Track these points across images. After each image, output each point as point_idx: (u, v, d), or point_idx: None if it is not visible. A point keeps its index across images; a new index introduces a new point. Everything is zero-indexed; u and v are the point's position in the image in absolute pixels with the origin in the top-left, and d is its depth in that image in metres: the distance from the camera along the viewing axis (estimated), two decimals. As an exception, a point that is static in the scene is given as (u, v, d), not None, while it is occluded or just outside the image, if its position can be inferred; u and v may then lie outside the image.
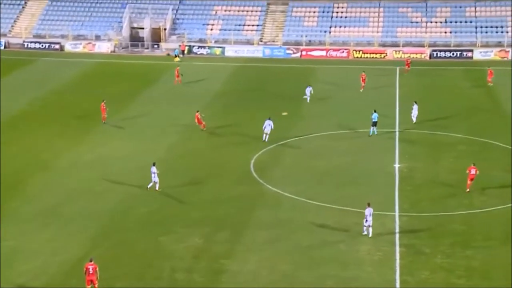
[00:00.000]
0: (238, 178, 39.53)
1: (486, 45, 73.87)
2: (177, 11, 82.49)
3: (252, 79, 64.97)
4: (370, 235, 31.54)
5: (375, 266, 29.42)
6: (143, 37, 79.91)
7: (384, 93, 58.44)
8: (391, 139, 46.16)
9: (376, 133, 46.42)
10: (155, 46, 79.24)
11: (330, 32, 78.15)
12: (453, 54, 72.88)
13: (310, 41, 77.79)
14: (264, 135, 45.23)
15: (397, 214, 34.39)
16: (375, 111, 46.74)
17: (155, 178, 37.27)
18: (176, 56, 73.38)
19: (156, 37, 79.91)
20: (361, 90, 58.69)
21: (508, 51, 71.92)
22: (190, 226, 33.47)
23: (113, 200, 36.44)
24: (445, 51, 73.42)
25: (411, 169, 40.58)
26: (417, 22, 77.80)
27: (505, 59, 71.28)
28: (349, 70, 68.66)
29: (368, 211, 31.58)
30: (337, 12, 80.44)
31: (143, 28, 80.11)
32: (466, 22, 76.96)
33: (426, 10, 78.81)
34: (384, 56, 74.19)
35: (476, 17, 77.27)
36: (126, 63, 72.80)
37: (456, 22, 77.07)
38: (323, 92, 59.00)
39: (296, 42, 77.47)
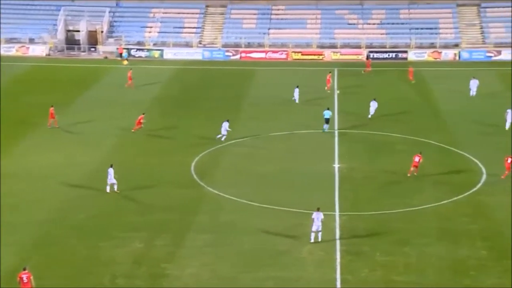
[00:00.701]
0: (178, 181, 39.19)
1: (420, 46, 75.59)
2: (114, 14, 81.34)
3: (192, 81, 64.62)
4: (319, 239, 31.22)
5: (316, 266, 29.61)
6: (79, 40, 78.47)
7: (322, 94, 59.00)
8: (331, 140, 46.64)
9: (326, 130, 47.42)
10: (92, 49, 77.90)
11: (269, 34, 78.51)
12: (388, 55, 74.28)
13: (249, 43, 77.92)
14: (221, 135, 45.26)
15: (337, 213, 34.73)
16: (328, 109, 47.92)
17: (111, 180, 36.83)
18: (125, 60, 72.36)
19: (93, 40, 78.57)
20: (328, 91, 58.97)
21: (441, 52, 73.76)
22: (130, 231, 32.96)
23: (50, 207, 35.57)
24: (381, 52, 74.77)
25: (350, 169, 41.07)
26: (353, 24, 78.97)
27: (438, 60, 73.10)
28: (288, 71, 69.11)
29: (316, 215, 31.38)
30: (275, 14, 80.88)
31: (79, 31, 78.66)
32: (400, 24, 78.59)
33: (362, 12, 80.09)
34: (323, 58, 75.00)
35: (410, 19, 78.99)
36: (62, 67, 71.30)
37: (391, 23, 78.60)
38: (263, 94, 59.20)
39: (235, 44, 77.49)
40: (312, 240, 31.23)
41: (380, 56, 74.29)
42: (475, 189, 37.51)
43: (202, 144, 45.32)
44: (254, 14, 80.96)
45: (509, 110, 48.45)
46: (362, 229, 32.88)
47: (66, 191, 37.68)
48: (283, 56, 75.36)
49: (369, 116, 50.79)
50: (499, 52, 72.47)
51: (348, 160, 42.54)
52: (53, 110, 48.78)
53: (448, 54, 73.47)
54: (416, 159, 39.09)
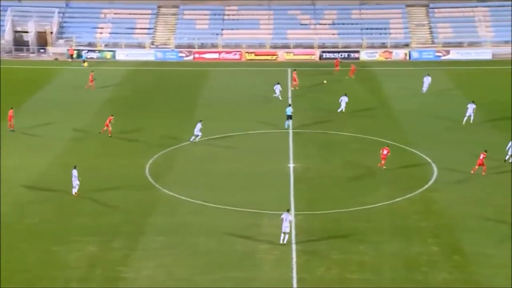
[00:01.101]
0: (132, 183, 38.83)
1: (371, 46, 76.65)
2: (63, 14, 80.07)
3: (145, 83, 64.12)
4: (285, 241, 31.20)
5: (272, 266, 29.73)
6: (28, 41, 76.98)
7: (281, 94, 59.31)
8: (286, 139, 46.88)
9: (290, 126, 47.97)
10: (42, 50, 76.50)
11: (222, 35, 78.47)
12: (341, 55, 75.09)
13: (202, 43, 77.75)
14: (194, 136, 45.25)
15: (292, 213, 34.92)
16: (289, 105, 48.93)
17: (75, 181, 36.38)
18: (84, 61, 71.24)
19: (42, 41, 77.20)
20: (296, 88, 59.78)
21: (392, 52, 74.94)
22: (84, 234, 32.53)
23: (3, 211, 34.79)
24: (333, 52, 75.52)
25: (305, 169, 41.37)
26: (306, 24, 79.59)
27: (389, 59, 74.24)
28: (242, 72, 69.21)
29: (285, 216, 31.28)
30: (228, 15, 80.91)
31: (27, 32, 77.15)
32: (352, 24, 79.52)
33: (314, 12, 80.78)
34: (276, 58, 75.34)
35: (361, 19, 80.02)
36: (10, 68, 69.78)
37: (342, 24, 79.47)
38: (217, 95, 59.16)
39: (189, 45, 77.22)
40: (281, 242, 31.15)
41: (333, 56, 75.02)
42: (426, 186, 38.22)
43: (157, 145, 45.01)
44: (207, 14, 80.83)
45: (469, 105, 49.71)
46: (317, 228, 33.14)
47: (20, 195, 36.94)
48: (237, 56, 75.43)
49: (339, 110, 52.19)
50: (447, 52, 74.01)
51: (302, 159, 42.83)
52: (12, 113, 47.80)
53: (399, 54, 74.71)
54: (384, 152, 40.56)
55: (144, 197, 37.00)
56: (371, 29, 78.55)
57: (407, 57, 74.51)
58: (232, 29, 79.37)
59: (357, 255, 30.51)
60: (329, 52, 75.50)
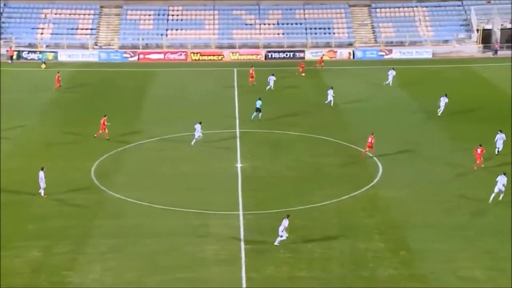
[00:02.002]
0: (78, 186, 38.19)
1: (316, 46, 77.40)
2: (2, 14, 78.08)
3: (90, 84, 63.11)
4: (276, 243, 31.19)
5: (221, 266, 29.70)
6: (-35, 42, 74.90)
7: (223, 94, 59.32)
8: (233, 139, 46.91)
9: (260, 118, 49.84)
10: (-20, 52, 74.47)
11: (166, 35, 77.96)
12: (286, 54, 75.57)
13: (147, 44, 77.05)
14: (196, 138, 44.95)
15: (241, 213, 34.98)
16: (259, 99, 50.52)
17: (42, 183, 35.82)
18: (43, 63, 69.55)
19: (-20, 42, 75.16)
20: (254, 84, 60.99)
21: (336, 51, 75.84)
22: (28, 239, 31.83)
23: None
24: (279, 52, 75.95)
25: (253, 168, 41.46)
26: (251, 24, 79.78)
27: (334, 59, 75.10)
28: (188, 72, 68.92)
29: (284, 221, 31.16)
30: (172, 15, 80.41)
31: (-37, 32, 75.09)
32: (296, 24, 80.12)
33: (259, 12, 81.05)
34: (222, 58, 75.29)
35: (305, 19, 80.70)
36: None
37: (287, 24, 79.98)
38: (164, 95, 58.76)
39: (133, 46, 76.40)
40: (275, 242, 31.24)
41: (278, 56, 75.46)
42: (372, 184, 38.80)
43: (103, 147, 44.39)
44: (151, 15, 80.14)
45: (442, 98, 51.41)
46: (266, 228, 33.24)
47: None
48: (182, 57, 75.04)
49: (326, 101, 54.46)
50: (390, 51, 75.36)
51: (250, 159, 42.92)
52: None
53: (343, 53, 75.65)
54: (369, 139, 42.20)
55: (90, 200, 36.45)
56: (315, 28, 79.29)
57: (351, 56, 75.51)
58: (177, 29, 78.92)
59: (306, 253, 30.76)
60: (274, 52, 75.88)
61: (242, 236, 32.30)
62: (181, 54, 75.10)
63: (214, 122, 50.50)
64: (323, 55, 72.99)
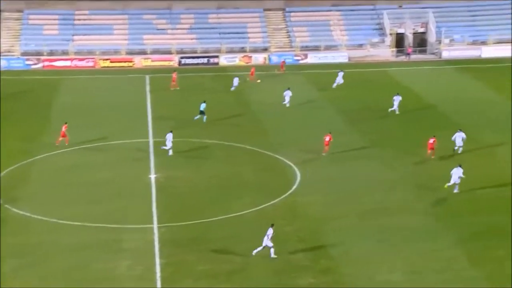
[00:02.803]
0: (-21, 203, 36.64)
1: (231, 51, 77.64)
2: None
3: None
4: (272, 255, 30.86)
5: (135, 282, 29.16)
6: None
7: (135, 102, 58.54)
8: (145, 149, 46.29)
9: (204, 121, 51.16)
10: None
11: (73, 41, 76.23)
12: (200, 60, 75.41)
13: (52, 50, 75.09)
14: (167, 148, 44.49)
15: (156, 226, 34.50)
16: (204, 102, 52.06)
17: None
18: None
19: None
20: (177, 88, 61.59)
21: (251, 56, 76.34)
22: None
23: None
24: (192, 57, 75.70)
25: (168, 178, 41.02)
26: (163, 29, 79.18)
27: (249, 64, 75.49)
28: (97, 80, 67.63)
29: (269, 231, 30.98)
30: (78, 20, 78.78)
31: None
32: (210, 28, 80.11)
33: (171, 17, 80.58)
34: (133, 65, 74.32)
35: (219, 23, 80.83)
36: None
37: (200, 28, 79.86)
38: (73, 104, 57.41)
39: (37, 52, 74.28)
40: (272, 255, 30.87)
41: (192, 62, 75.18)
42: (290, 191, 39.14)
43: (6, 160, 42.78)
44: (55, 19, 78.20)
45: (395, 97, 53.30)
46: (183, 240, 32.94)
47: None
48: (90, 64, 73.61)
49: (284, 102, 56.21)
50: (305, 56, 76.53)
51: (165, 169, 42.45)
52: None
53: (258, 58, 76.21)
54: (327, 138, 43.92)
55: (-8, 217, 35.01)
56: (229, 33, 79.53)
57: (267, 61, 76.18)
58: (84, 35, 77.33)
59: (225, 264, 30.63)
60: (188, 57, 75.56)
61: (157, 250, 31.82)
62: (89, 61, 73.62)
63: (125, 132, 49.73)
64: (284, 60, 73.06)
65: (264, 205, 37.04)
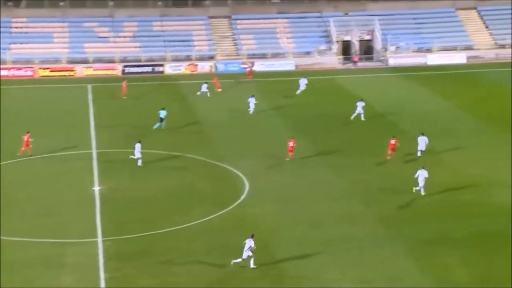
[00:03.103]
0: None
1: (176, 59, 77.22)
2: None
3: None
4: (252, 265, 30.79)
5: (80, 298, 28.57)
6: None
7: (77, 113, 57.61)
8: (89, 160, 45.52)
9: (163, 127, 51.58)
10: None
11: (9, 49, 74.57)
12: (144, 69, 74.78)
13: (-13, 59, 73.45)
14: (137, 157, 44.17)
15: (100, 239, 33.88)
16: (163, 108, 52.32)
17: None
18: None
19: None
20: (124, 98, 60.78)
21: (197, 64, 76.09)
22: None
23: None
24: (136, 66, 75.02)
25: (112, 190, 40.41)
26: (105, 37, 78.27)
27: (195, 72, 75.29)
28: (37, 90, 66.32)
29: (248, 242, 30.83)
30: (16, 27, 77.23)
31: None
32: (154, 36, 79.56)
33: (113, 24, 79.73)
34: (74, 74, 73.18)
35: (163, 31, 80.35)
36: None
37: (144, 36, 79.24)
38: (10, 115, 56.10)
39: (-28, 61, 72.47)
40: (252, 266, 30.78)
41: (136, 71, 74.47)
42: (239, 201, 39.01)
43: None
44: (-9, 27, 76.51)
45: (358, 103, 54.11)
46: (128, 253, 32.43)
47: None
48: (29, 73, 72.17)
49: (249, 110, 56.51)
50: (252, 64, 76.67)
51: (109, 181, 41.79)
52: None
53: (205, 67, 76.03)
54: (290, 143, 44.77)
55: None
56: (174, 41, 79.13)
57: (213, 70, 76.05)
58: (21, 43, 75.77)
59: (171, 277, 30.26)
60: (132, 66, 74.83)
61: (101, 264, 31.25)
62: (27, 70, 72.16)
63: (67, 143, 48.84)
64: (251, 66, 72.74)
65: (211, 216, 36.80)
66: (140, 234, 34.46)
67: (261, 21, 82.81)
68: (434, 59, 79.16)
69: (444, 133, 50.64)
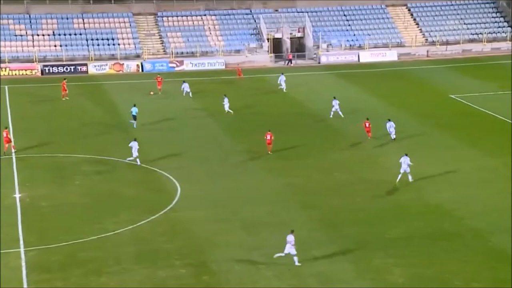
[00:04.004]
0: None
1: (99, 58, 76.26)
2: None
3: None
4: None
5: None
6: None
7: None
8: (8, 166, 44.54)
9: (135, 126, 52.71)
10: None
11: None
12: (66, 69, 73.57)
13: None
14: (134, 157, 44.39)
15: (22, 249, 33.21)
16: (134, 105, 53.31)
17: None
18: None
19: None
20: (67, 98, 60.16)
21: (123, 63, 75.35)
22: None
23: None
24: (57, 66, 73.72)
25: (34, 198, 39.67)
26: (21, 36, 76.61)
27: (121, 72, 74.55)
28: None
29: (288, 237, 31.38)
30: None
31: None
32: (75, 34, 78.35)
33: (30, 22, 78.12)
34: None
35: (85, 29, 79.21)
36: None
37: (65, 34, 77.94)
38: None
39: None
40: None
41: (57, 70, 73.18)
42: (170, 206, 38.86)
43: None
44: None
45: (334, 102, 55.12)
46: (52, 263, 31.92)
47: None
48: None
49: (227, 110, 56.42)
50: (181, 62, 76.50)
51: (30, 188, 41.01)
52: None
53: (131, 66, 75.38)
54: (268, 137, 46.07)
55: None
56: (97, 39, 78.12)
57: (140, 69, 75.45)
58: None
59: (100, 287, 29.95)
60: (52, 66, 73.48)
61: (24, 276, 30.66)
62: None
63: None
64: (239, 67, 72.80)
65: (141, 222, 36.56)
66: (65, 243, 33.94)
67: (188, 18, 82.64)
68: (366, 56, 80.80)
69: (377, 133, 51.65)
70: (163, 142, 50.29)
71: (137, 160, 44.46)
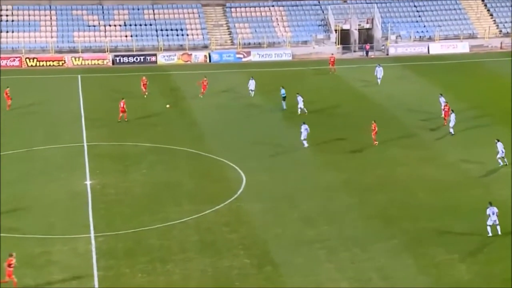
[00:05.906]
0: None
1: (168, 49, 77.57)
2: None
3: None
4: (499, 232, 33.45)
5: (72, 296, 29.10)
6: None
7: (67, 105, 58.05)
8: (80, 154, 45.97)
9: (284, 107, 55.03)
10: None
11: (-2, 39, 74.97)
12: (136, 59, 75.05)
13: (-28, 49, 73.75)
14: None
15: (92, 235, 34.41)
16: (282, 87, 55.39)
17: None
18: None
19: None
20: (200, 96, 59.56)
21: (191, 54, 76.38)
22: None
23: None
24: (128, 56, 75.30)
25: (103, 185, 40.86)
26: (94, 26, 78.58)
27: (189, 62, 75.63)
28: (24, 80, 66.66)
29: (491, 210, 33.49)
30: (1, 16, 77.43)
31: None
32: (145, 25, 79.87)
33: (103, 13, 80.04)
34: (63, 64, 73.53)
35: (155, 19, 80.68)
36: None
37: (135, 25, 79.55)
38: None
39: (-43, 51, 72.75)
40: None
41: (127, 60, 74.77)
42: (235, 196, 39.41)
43: None
44: (-23, 16, 76.76)
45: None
46: (120, 250, 32.93)
47: None
48: (16, 63, 72.50)
49: (300, 108, 54.46)
50: (248, 53, 77.09)
51: (100, 175, 42.31)
52: None
53: (199, 56, 76.38)
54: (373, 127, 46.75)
55: None
56: (167, 30, 79.46)
57: (208, 60, 76.39)
58: (7, 32, 76.08)
59: (164, 275, 30.78)
60: (123, 56, 75.14)
61: (94, 261, 31.76)
62: (14, 60, 72.51)
63: (58, 136, 49.33)
64: (332, 55, 72.03)
65: (205, 212, 37.24)
66: (132, 230, 34.94)
67: (256, 9, 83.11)
68: (436, 48, 79.68)
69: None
70: (229, 134, 50.85)
71: (304, 142, 46.47)
